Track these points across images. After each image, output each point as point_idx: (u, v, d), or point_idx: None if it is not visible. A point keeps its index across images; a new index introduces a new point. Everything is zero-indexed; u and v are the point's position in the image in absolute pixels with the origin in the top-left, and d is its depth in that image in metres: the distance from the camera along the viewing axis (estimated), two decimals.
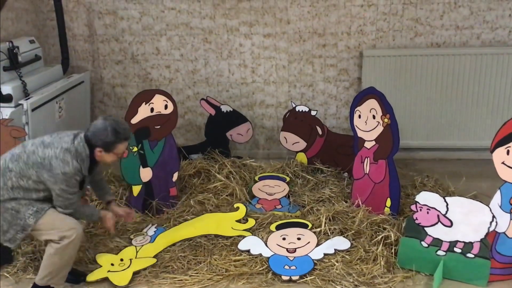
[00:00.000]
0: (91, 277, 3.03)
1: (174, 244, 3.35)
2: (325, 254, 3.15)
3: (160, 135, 3.77)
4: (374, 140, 3.49)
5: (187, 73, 4.71)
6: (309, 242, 3.27)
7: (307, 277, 2.98)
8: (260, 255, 3.18)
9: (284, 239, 3.31)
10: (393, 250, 3.14)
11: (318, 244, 3.25)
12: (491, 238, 2.91)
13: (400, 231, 3.26)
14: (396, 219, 3.42)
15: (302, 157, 4.34)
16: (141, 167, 3.75)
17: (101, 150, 2.77)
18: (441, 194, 3.11)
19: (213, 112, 4.49)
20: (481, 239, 2.86)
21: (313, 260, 3.11)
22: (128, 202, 3.81)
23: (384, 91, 3.44)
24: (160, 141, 3.78)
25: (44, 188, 2.73)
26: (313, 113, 4.25)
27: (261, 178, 4.16)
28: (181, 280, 3.01)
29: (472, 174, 4.11)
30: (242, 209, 3.65)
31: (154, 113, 3.75)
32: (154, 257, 3.22)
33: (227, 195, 3.90)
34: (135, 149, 3.72)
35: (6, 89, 3.62)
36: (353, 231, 3.32)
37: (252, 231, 3.45)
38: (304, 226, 3.45)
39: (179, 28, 4.57)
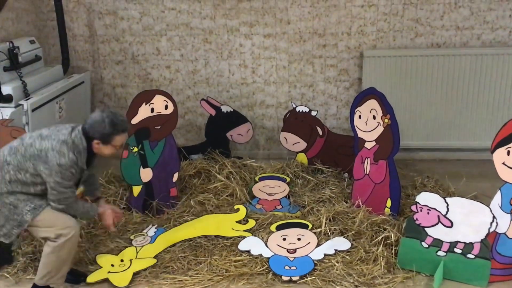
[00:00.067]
0: (91, 278, 3.03)
1: (174, 245, 3.35)
2: (325, 255, 3.15)
3: (161, 135, 3.77)
4: (375, 140, 3.48)
5: (188, 74, 4.71)
6: (309, 243, 3.27)
7: (307, 278, 2.98)
8: (261, 255, 3.18)
9: (284, 239, 3.31)
10: (393, 251, 3.14)
11: (318, 245, 3.24)
12: (492, 239, 2.90)
13: (400, 231, 3.26)
14: (397, 220, 3.42)
15: (302, 158, 4.34)
16: (141, 167, 3.75)
17: (99, 143, 2.74)
18: (441, 195, 3.11)
19: (213, 112, 4.49)
20: (482, 240, 2.86)
21: (313, 260, 3.11)
22: (128, 203, 3.81)
23: (385, 91, 3.44)
24: (160, 142, 3.78)
25: (41, 181, 2.71)
26: (313, 113, 4.25)
27: (261, 179, 4.16)
28: (181, 280, 3.01)
29: (472, 175, 4.11)
30: (243, 211, 3.65)
31: (154, 114, 3.75)
32: (154, 257, 3.22)
33: (227, 196, 3.90)
34: (136, 149, 3.72)
35: (6, 90, 3.62)
36: (353, 232, 3.32)
37: (252, 231, 3.44)
38: (305, 226, 3.44)
39: (180, 28, 4.57)
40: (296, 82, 4.64)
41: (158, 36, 4.61)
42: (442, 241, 2.94)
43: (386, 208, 3.49)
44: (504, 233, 2.87)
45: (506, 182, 2.84)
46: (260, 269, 3.07)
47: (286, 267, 3.07)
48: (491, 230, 2.82)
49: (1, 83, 3.60)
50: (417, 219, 2.95)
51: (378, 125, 3.44)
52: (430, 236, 2.96)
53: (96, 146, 2.76)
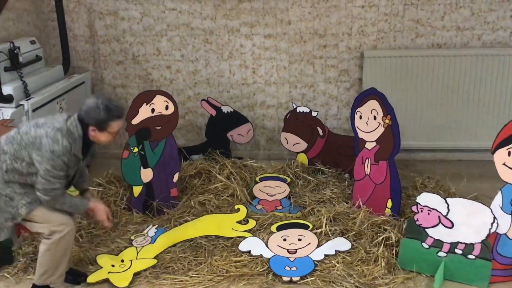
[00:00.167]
0: (91, 279, 3.03)
1: (174, 245, 3.35)
2: (325, 255, 3.15)
3: (161, 135, 3.77)
4: (375, 141, 3.48)
5: (188, 74, 4.71)
6: (309, 243, 3.27)
7: (307, 278, 2.98)
8: (261, 256, 3.18)
9: (284, 240, 3.31)
10: (394, 251, 3.14)
11: (318, 245, 3.24)
12: (492, 240, 2.90)
13: (401, 232, 3.26)
14: (397, 220, 3.42)
15: (303, 158, 4.33)
16: (141, 167, 3.75)
17: (95, 129, 2.71)
18: (442, 195, 3.11)
19: (214, 112, 4.49)
20: (482, 241, 2.86)
21: (313, 261, 3.11)
22: (128, 203, 3.81)
23: (385, 92, 3.44)
24: (160, 142, 3.78)
25: (36, 171, 2.67)
26: (314, 114, 4.25)
27: (261, 179, 4.16)
28: (182, 281, 3.01)
29: (473, 175, 4.11)
30: (243, 211, 3.65)
31: (155, 114, 3.75)
32: (155, 258, 3.22)
33: (227, 196, 3.90)
34: (136, 149, 3.72)
35: (7, 90, 3.62)
36: (354, 232, 3.32)
37: (252, 232, 3.44)
38: (305, 227, 3.44)
39: (180, 28, 4.57)
40: (297, 82, 4.64)
41: (158, 36, 4.61)
42: (443, 242, 2.94)
43: (387, 209, 3.49)
44: (505, 234, 2.86)
45: (506, 182, 2.83)
46: (261, 270, 3.06)
47: (287, 268, 3.07)
48: (492, 230, 2.82)
49: (2, 83, 3.60)
50: (417, 220, 2.95)
51: (378, 126, 3.43)
52: (430, 236, 2.95)
53: (92, 133, 2.72)
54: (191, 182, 4.10)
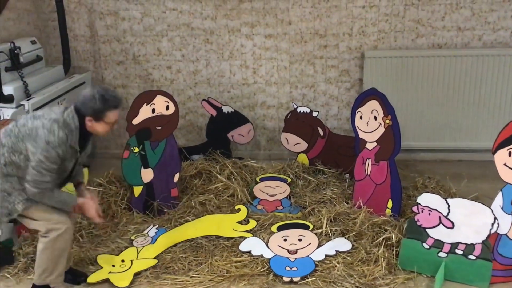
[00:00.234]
0: (92, 279, 3.03)
1: (175, 245, 3.35)
2: (326, 256, 3.15)
3: (161, 135, 3.77)
4: (376, 141, 3.48)
5: (189, 74, 4.71)
6: (310, 243, 3.27)
7: (308, 279, 2.98)
8: (261, 256, 3.18)
9: (285, 240, 3.31)
10: (394, 252, 3.14)
11: (319, 245, 3.24)
12: (493, 240, 2.90)
13: (401, 232, 3.25)
14: (398, 221, 3.41)
15: (303, 158, 4.33)
16: (142, 167, 3.75)
17: (91, 119, 2.68)
18: (442, 196, 3.11)
19: (214, 113, 4.49)
20: (483, 241, 2.86)
21: (314, 261, 3.11)
22: (129, 203, 3.81)
23: (386, 92, 3.44)
24: (161, 142, 3.78)
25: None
26: (314, 114, 4.25)
27: (262, 179, 4.16)
28: (182, 281, 3.01)
29: (473, 176, 4.10)
30: (243, 211, 3.65)
31: (155, 114, 3.75)
32: (155, 258, 3.22)
33: (228, 196, 3.90)
34: (136, 149, 3.72)
35: (8, 90, 3.62)
36: (354, 233, 3.32)
37: (253, 232, 3.44)
38: (306, 227, 3.44)
39: (181, 28, 4.57)
40: (297, 82, 4.64)
41: (159, 36, 4.61)
42: (443, 242, 2.93)
43: (387, 209, 3.49)
44: (506, 234, 2.86)
45: (507, 183, 2.83)
46: (261, 270, 3.06)
47: (287, 268, 3.06)
48: (493, 231, 2.82)
49: (3, 83, 3.60)
50: (418, 220, 2.95)
51: (379, 126, 3.43)
52: (431, 237, 2.95)
53: (89, 124, 2.70)
54: (191, 182, 4.10)
